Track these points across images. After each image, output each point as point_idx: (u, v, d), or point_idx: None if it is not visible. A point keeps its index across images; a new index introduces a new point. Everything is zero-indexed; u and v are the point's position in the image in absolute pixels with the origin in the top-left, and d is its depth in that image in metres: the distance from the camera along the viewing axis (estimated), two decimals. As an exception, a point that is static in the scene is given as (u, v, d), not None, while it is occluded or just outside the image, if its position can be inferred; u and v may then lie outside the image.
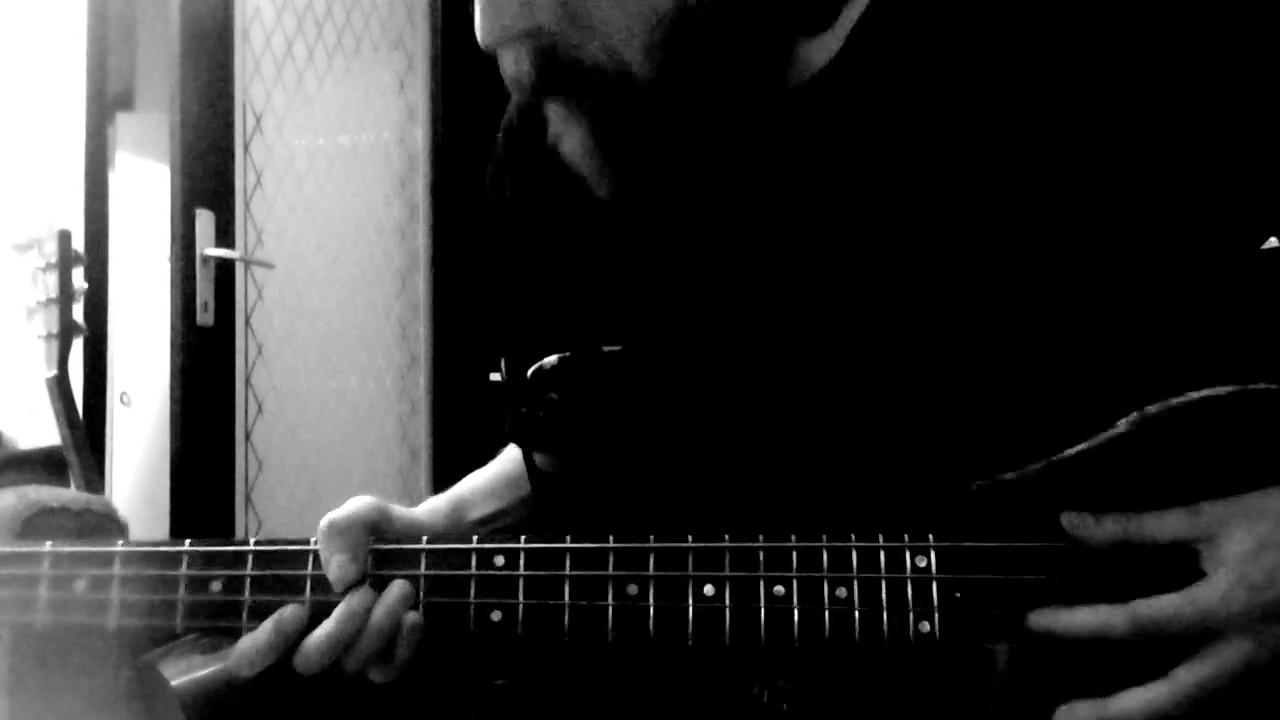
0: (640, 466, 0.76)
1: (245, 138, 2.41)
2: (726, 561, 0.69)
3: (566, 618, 0.71)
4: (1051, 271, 0.70)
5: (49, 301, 1.81)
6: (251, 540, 0.77)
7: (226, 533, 2.34)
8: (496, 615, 0.72)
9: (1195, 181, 0.70)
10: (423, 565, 0.74)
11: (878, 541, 0.69)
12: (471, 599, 0.72)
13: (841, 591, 0.68)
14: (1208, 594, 0.62)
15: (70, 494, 1.39)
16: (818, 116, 0.75)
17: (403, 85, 2.82)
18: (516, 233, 0.90)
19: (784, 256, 0.76)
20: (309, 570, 0.77)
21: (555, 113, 0.77)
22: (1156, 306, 0.71)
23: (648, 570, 0.70)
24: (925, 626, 0.67)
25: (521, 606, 0.71)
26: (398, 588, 0.74)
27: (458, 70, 2.86)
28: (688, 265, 0.79)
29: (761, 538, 0.69)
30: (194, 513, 2.26)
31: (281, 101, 2.51)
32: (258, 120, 2.45)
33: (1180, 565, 0.64)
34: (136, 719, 1.33)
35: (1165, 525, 0.65)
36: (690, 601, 0.69)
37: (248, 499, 2.40)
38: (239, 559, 0.77)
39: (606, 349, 0.76)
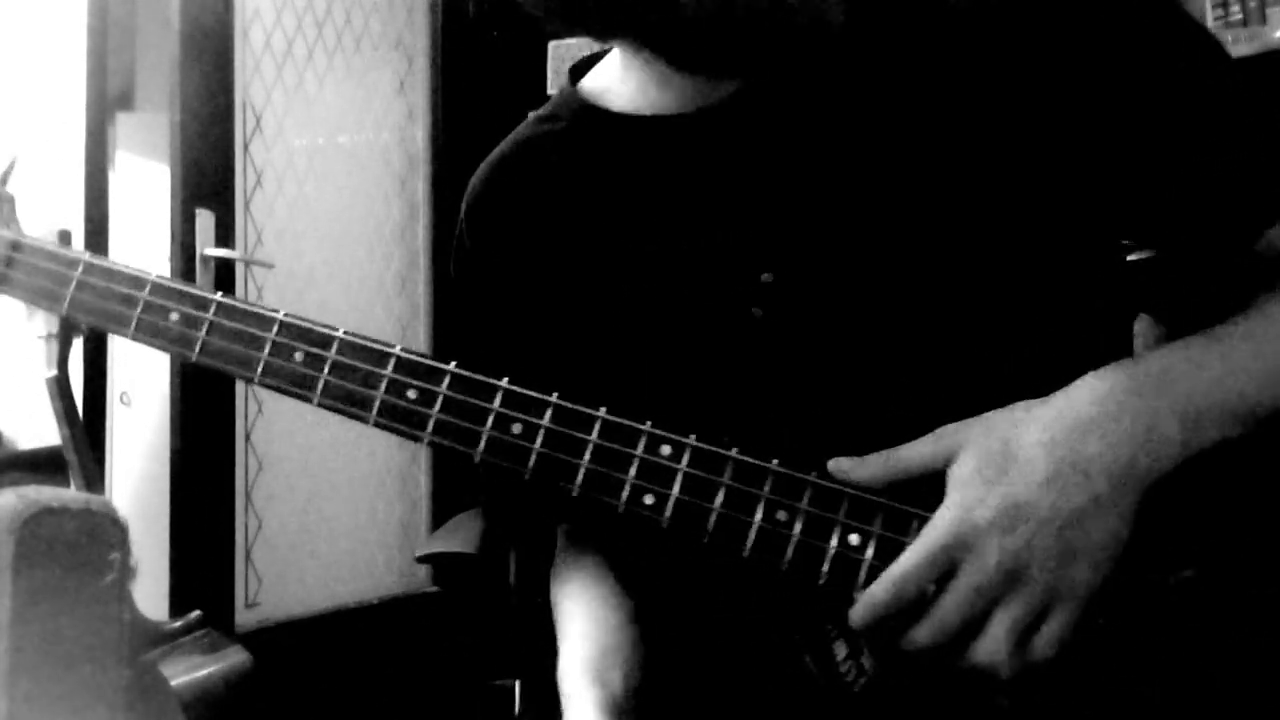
0: (819, 395, 0.78)
1: (245, 138, 2.42)
2: (879, 518, 0.70)
3: (711, 521, 0.71)
4: (948, 270, 0.75)
5: (49, 301, 1.81)
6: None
7: (226, 532, 2.35)
8: (649, 499, 0.72)
9: (1073, 185, 0.75)
10: (595, 433, 0.73)
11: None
12: (631, 478, 0.72)
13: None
14: (930, 528, 0.67)
15: (70, 494, 1.39)
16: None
17: (403, 85, 2.82)
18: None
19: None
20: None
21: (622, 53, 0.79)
22: (1025, 300, 0.75)
23: (801, 503, 0.71)
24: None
25: (673, 499, 0.72)
26: None
27: (458, 70, 2.86)
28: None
29: (920, 507, 0.70)
30: (194, 513, 2.27)
31: (281, 101, 2.51)
32: (258, 120, 2.45)
33: (938, 490, 0.68)
34: (136, 719, 1.33)
35: (915, 454, 0.70)
36: (833, 545, 0.70)
37: (248, 499, 2.40)
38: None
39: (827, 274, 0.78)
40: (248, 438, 2.40)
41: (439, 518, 2.73)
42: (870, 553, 0.70)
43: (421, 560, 2.49)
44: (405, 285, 2.80)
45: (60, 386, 1.81)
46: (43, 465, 1.96)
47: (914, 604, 0.67)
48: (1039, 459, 0.66)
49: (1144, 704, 0.69)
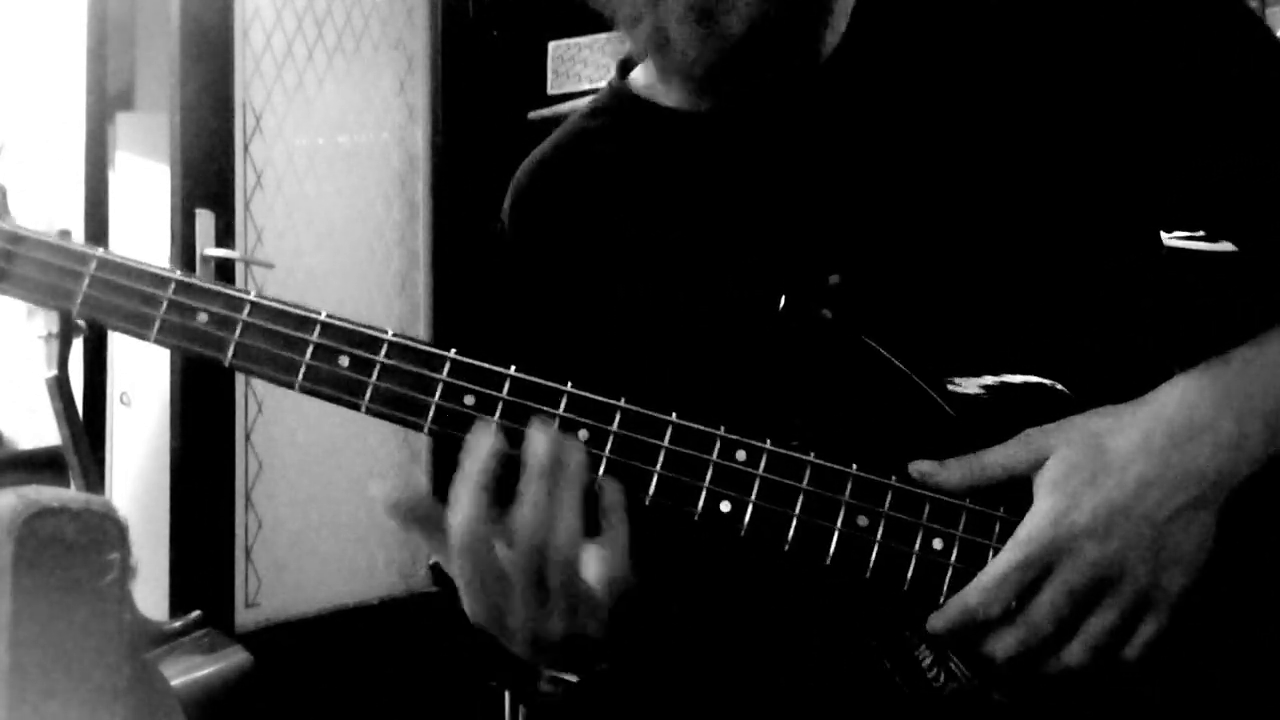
0: (885, 392, 0.75)
1: (245, 138, 2.41)
2: (962, 521, 0.69)
3: (792, 529, 0.69)
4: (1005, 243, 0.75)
5: (49, 301, 1.81)
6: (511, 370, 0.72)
7: (226, 533, 2.35)
8: (726, 506, 0.69)
9: (1109, 168, 0.75)
10: (667, 438, 0.70)
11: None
12: (706, 484, 0.69)
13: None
14: (1023, 531, 0.66)
15: (70, 494, 1.39)
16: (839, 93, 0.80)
17: (403, 85, 2.82)
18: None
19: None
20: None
21: (672, 22, 0.75)
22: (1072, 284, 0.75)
23: (883, 508, 0.69)
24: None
25: (751, 505, 0.69)
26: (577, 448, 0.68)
27: (458, 70, 2.86)
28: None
29: (1003, 509, 0.69)
30: (194, 513, 2.27)
31: (281, 101, 2.51)
32: (258, 120, 2.45)
33: (1025, 491, 0.68)
34: (136, 718, 1.34)
35: (1002, 457, 0.69)
36: (916, 549, 0.69)
37: (248, 499, 2.40)
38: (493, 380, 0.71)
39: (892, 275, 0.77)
40: (248, 438, 2.40)
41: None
42: (954, 556, 0.69)
43: (435, 569, 2.49)
44: (405, 285, 2.80)
45: (60, 386, 1.81)
46: (43, 465, 1.96)
47: (1005, 609, 0.66)
48: (1135, 464, 0.66)
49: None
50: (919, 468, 0.70)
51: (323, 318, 0.73)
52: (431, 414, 0.70)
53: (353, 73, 2.70)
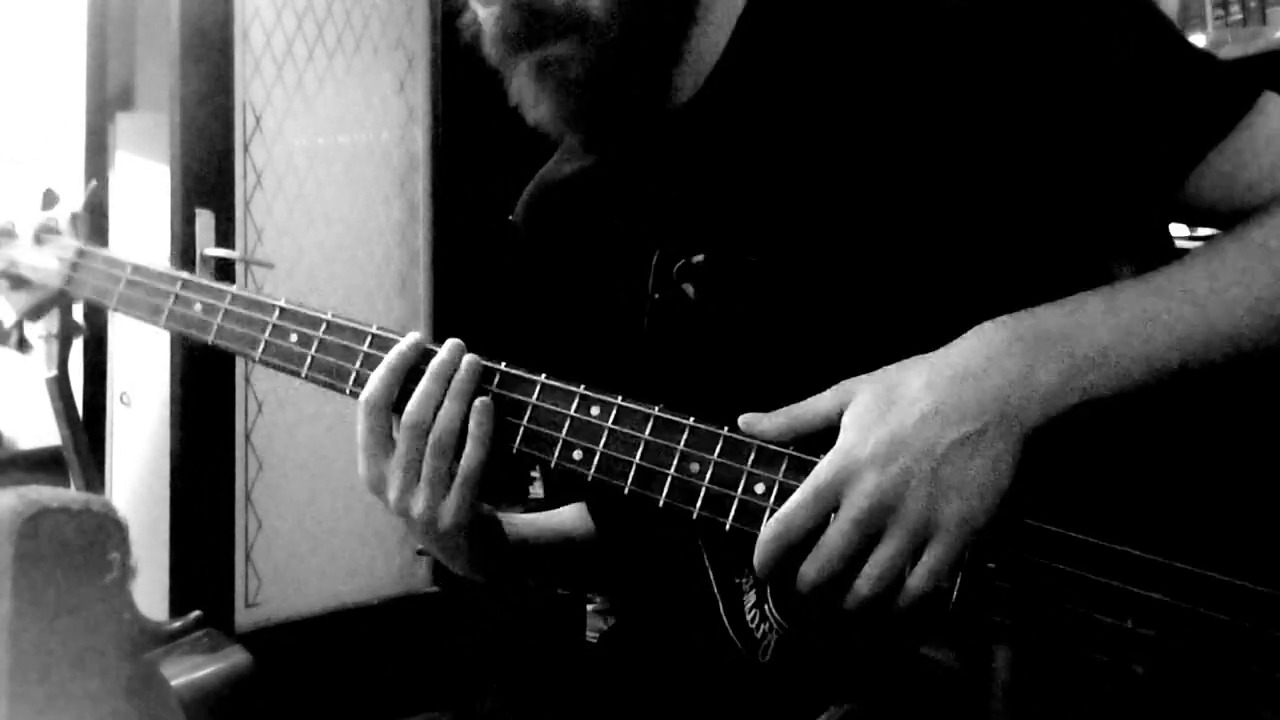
0: (749, 364, 0.83)
1: (245, 138, 2.42)
2: (783, 467, 0.73)
3: (631, 474, 0.77)
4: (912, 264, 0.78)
5: (49, 301, 1.81)
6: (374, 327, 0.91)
7: (226, 532, 2.35)
8: (578, 454, 0.79)
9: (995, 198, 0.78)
10: (535, 395, 0.81)
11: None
12: (563, 435, 0.80)
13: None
14: (816, 471, 0.70)
15: (70, 494, 1.39)
16: (710, 116, 0.87)
17: (403, 85, 2.82)
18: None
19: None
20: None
21: (523, 80, 0.89)
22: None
23: (712, 454, 0.75)
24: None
25: (599, 453, 0.78)
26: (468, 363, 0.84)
27: (458, 70, 2.86)
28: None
29: (822, 455, 0.73)
30: (194, 513, 2.27)
31: (281, 101, 2.51)
32: (257, 120, 2.45)
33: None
34: (137, 719, 1.34)
35: (818, 405, 0.73)
36: (738, 493, 0.74)
37: (248, 499, 2.40)
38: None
39: (750, 257, 0.84)
40: (248, 438, 2.41)
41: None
42: (773, 498, 0.73)
43: (421, 552, 2.49)
44: (405, 285, 2.80)
45: (60, 386, 1.81)
46: (43, 465, 1.96)
47: (804, 542, 0.70)
48: (920, 400, 0.70)
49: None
50: (745, 418, 0.75)
51: (281, 303, 0.94)
52: (352, 379, 0.88)
53: (353, 72, 2.70)
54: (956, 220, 0.77)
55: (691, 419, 0.76)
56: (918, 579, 0.68)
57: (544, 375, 0.81)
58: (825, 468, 0.70)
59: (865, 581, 0.69)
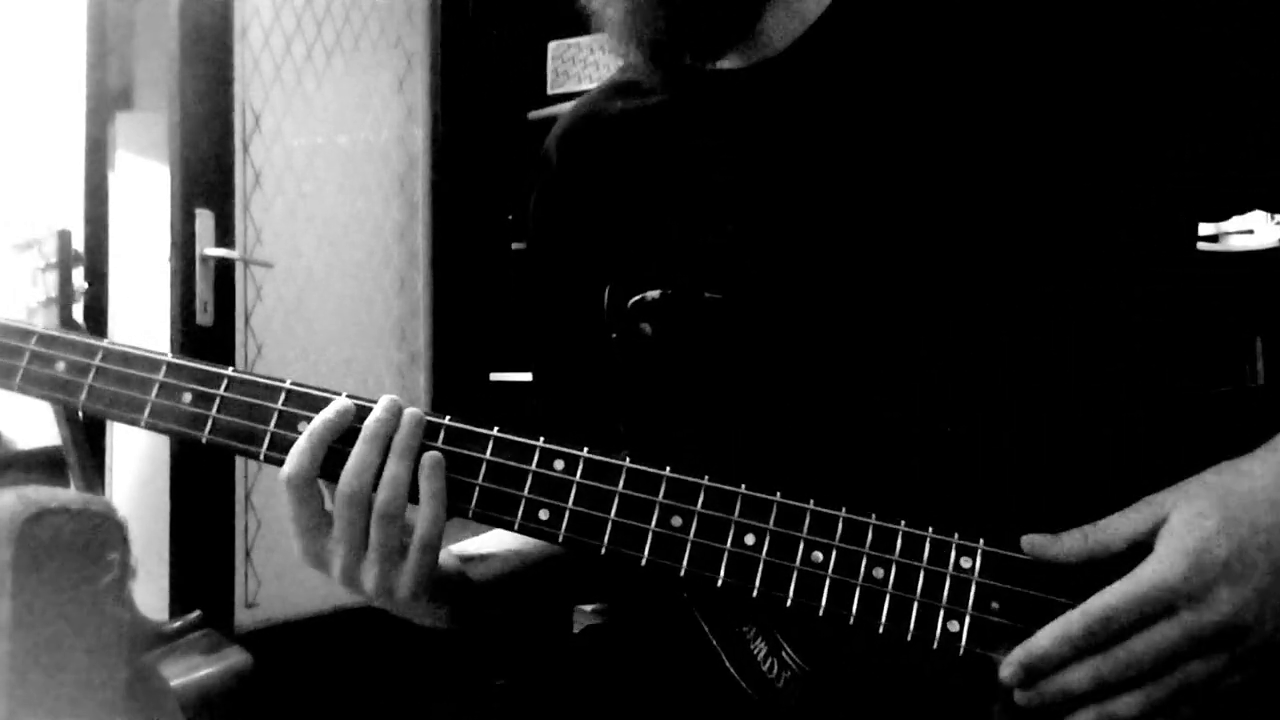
0: (712, 407, 0.78)
1: (245, 137, 2.41)
2: (772, 515, 0.69)
3: (608, 531, 0.71)
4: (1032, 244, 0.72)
5: (49, 301, 1.81)
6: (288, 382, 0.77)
7: (226, 533, 2.34)
8: (544, 514, 0.72)
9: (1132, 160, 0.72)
10: (489, 450, 0.73)
11: (926, 531, 0.68)
12: (525, 493, 0.72)
13: (879, 572, 0.68)
14: (1148, 570, 0.62)
15: (70, 494, 1.39)
16: (815, 67, 0.79)
17: (402, 85, 2.82)
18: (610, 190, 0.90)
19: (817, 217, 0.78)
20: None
21: None
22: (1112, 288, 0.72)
23: (695, 506, 0.70)
24: (954, 626, 0.67)
25: (569, 511, 0.72)
26: (410, 416, 0.74)
27: (458, 70, 2.86)
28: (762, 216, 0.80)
29: (812, 502, 0.69)
30: (194, 513, 2.26)
31: (281, 101, 2.51)
32: (257, 120, 2.45)
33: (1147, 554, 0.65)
34: (136, 719, 1.34)
35: (1122, 527, 0.65)
36: (728, 545, 0.69)
37: (247, 499, 2.40)
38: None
39: (708, 295, 0.78)
40: (247, 438, 2.40)
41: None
42: (765, 550, 0.69)
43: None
44: (405, 285, 2.80)
45: (60, 386, 1.80)
46: (43, 465, 1.96)
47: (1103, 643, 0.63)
48: (1265, 513, 0.62)
49: None
50: (1031, 542, 0.67)
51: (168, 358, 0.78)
52: (267, 441, 0.75)
53: (352, 72, 2.70)
54: (1063, 226, 0.71)
55: (668, 469, 0.71)
56: (1226, 696, 0.62)
57: (496, 429, 0.74)
58: (1161, 574, 0.62)
59: (1158, 695, 0.62)
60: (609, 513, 0.71)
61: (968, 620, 0.67)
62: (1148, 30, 0.71)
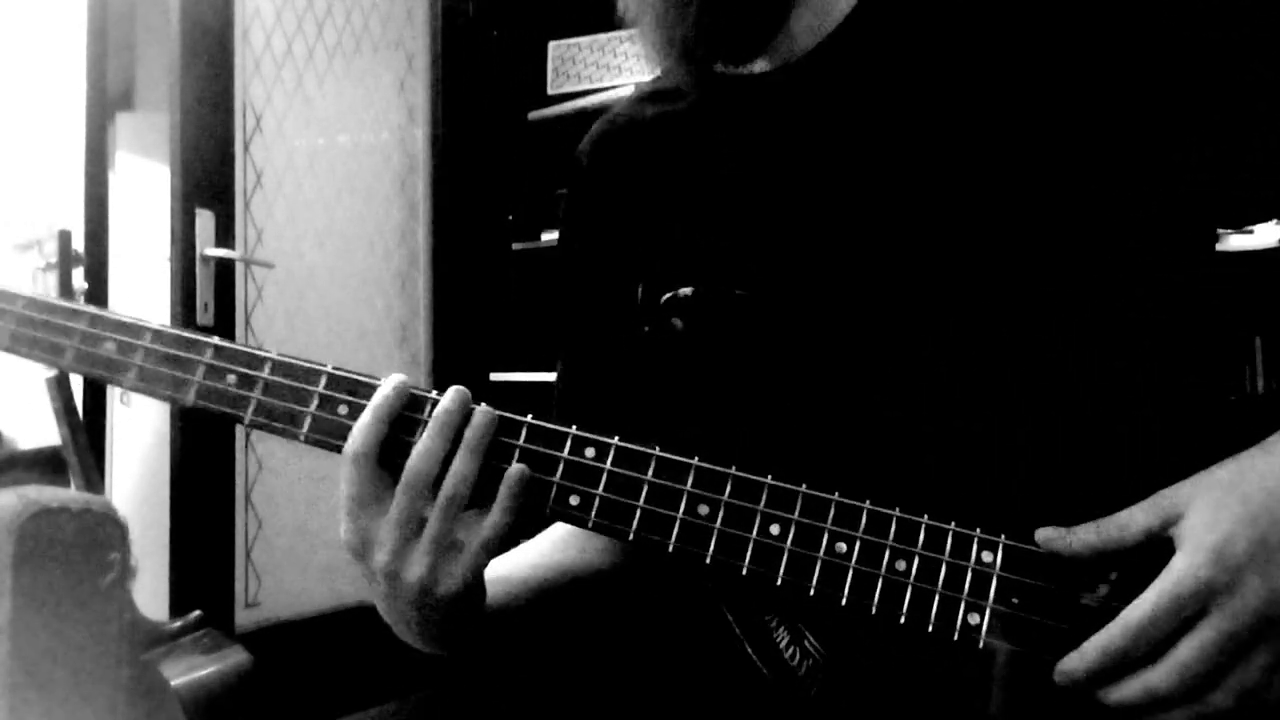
0: (739, 400, 0.79)
1: (245, 138, 2.41)
2: (798, 506, 0.70)
3: (636, 518, 0.72)
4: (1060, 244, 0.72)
5: (49, 301, 1.81)
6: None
7: (226, 533, 2.35)
8: (575, 500, 0.73)
9: (1155, 163, 0.72)
10: (522, 437, 0.75)
11: (949, 525, 0.69)
12: (556, 479, 0.74)
13: (901, 564, 0.68)
14: (1174, 572, 0.63)
15: (70, 494, 1.39)
16: (840, 69, 0.80)
17: (403, 85, 2.82)
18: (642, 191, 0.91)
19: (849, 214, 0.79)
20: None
21: None
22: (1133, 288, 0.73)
23: (722, 495, 0.71)
24: (974, 619, 0.67)
25: (599, 498, 0.73)
26: (482, 415, 0.74)
27: (458, 70, 2.86)
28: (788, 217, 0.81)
29: (837, 494, 0.70)
30: (194, 513, 2.27)
31: (281, 101, 2.51)
32: (258, 120, 2.45)
33: (1162, 551, 0.65)
34: (136, 719, 1.34)
35: (1134, 523, 0.66)
36: (754, 534, 0.70)
37: (248, 499, 2.40)
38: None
39: (737, 292, 0.79)
40: (248, 438, 2.40)
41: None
42: (790, 540, 0.70)
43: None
44: (405, 285, 2.80)
45: (60, 386, 1.81)
46: (43, 465, 1.96)
47: (1148, 655, 0.63)
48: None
49: None
50: (1045, 534, 0.67)
51: (214, 341, 0.79)
52: (308, 424, 0.77)
53: (353, 73, 2.70)
54: (1082, 233, 0.72)
55: (696, 459, 0.72)
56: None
57: (530, 416, 0.75)
58: (1189, 572, 0.62)
59: (1226, 695, 0.62)
60: (638, 500, 0.72)
61: (988, 613, 0.67)
62: (1160, 35, 0.72)
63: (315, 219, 2.59)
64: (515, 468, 0.73)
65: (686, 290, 0.81)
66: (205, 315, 2.24)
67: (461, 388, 0.75)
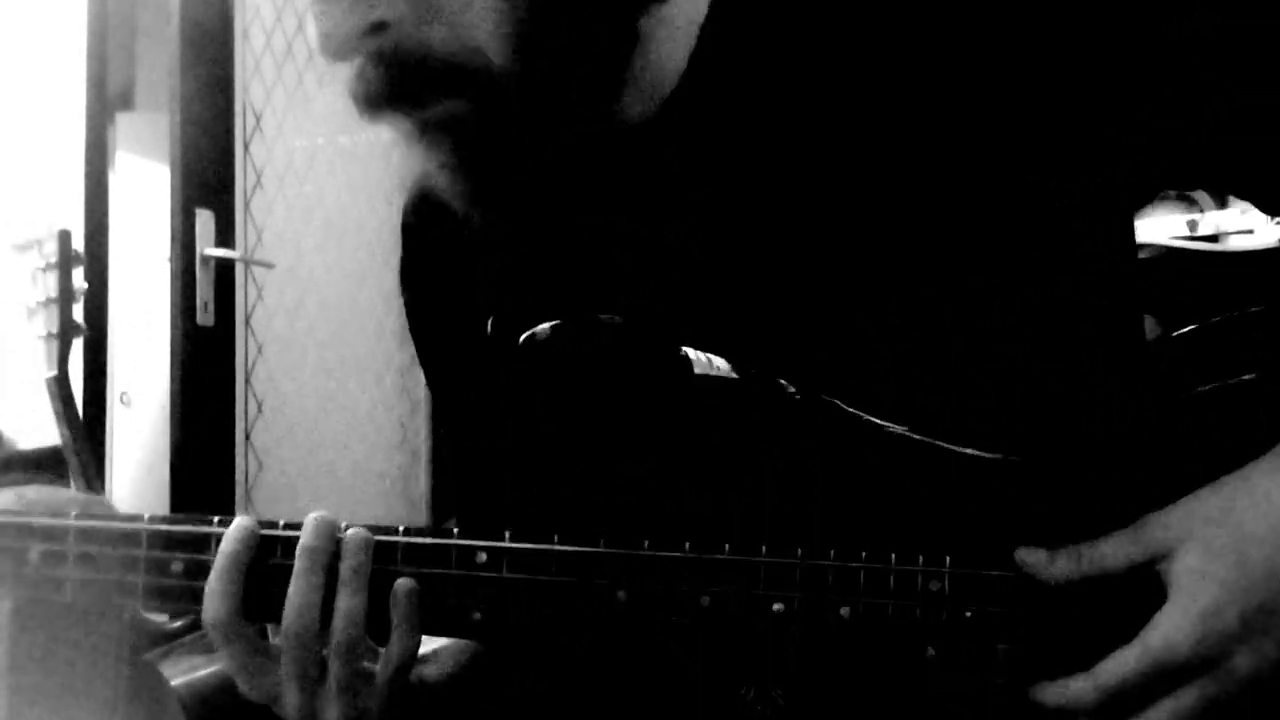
0: (612, 446, 0.73)
1: (245, 138, 2.41)
2: (723, 573, 0.65)
3: (552, 624, 0.67)
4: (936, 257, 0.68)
5: (49, 301, 1.81)
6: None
7: (226, 533, 2.34)
8: (477, 615, 0.67)
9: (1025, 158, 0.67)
10: (399, 559, 0.69)
11: (889, 563, 0.65)
12: (450, 599, 0.67)
13: (845, 611, 0.65)
14: (1159, 636, 0.61)
15: (70, 494, 1.39)
16: (675, 136, 0.72)
17: (403, 85, 2.82)
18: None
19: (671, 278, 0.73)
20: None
21: (409, 137, 0.73)
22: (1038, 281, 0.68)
23: (640, 578, 0.66)
24: (930, 651, 0.65)
25: (504, 610, 0.67)
26: (355, 533, 0.70)
27: (458, 70, 2.86)
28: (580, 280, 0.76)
29: (764, 549, 0.65)
30: (194, 512, 2.27)
31: (281, 101, 2.51)
32: (258, 120, 2.45)
33: (1148, 583, 0.63)
34: (136, 719, 1.33)
35: (1117, 552, 0.63)
36: (687, 615, 0.66)
37: (247, 499, 2.40)
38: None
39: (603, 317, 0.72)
40: (248, 438, 2.40)
41: (439, 518, 2.72)
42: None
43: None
44: (405, 285, 2.80)
45: (60, 386, 1.81)
46: (43, 465, 1.96)
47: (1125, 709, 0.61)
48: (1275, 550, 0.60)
49: None
50: (1023, 557, 0.64)
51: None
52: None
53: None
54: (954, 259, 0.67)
55: (602, 542, 0.66)
56: None
57: (402, 529, 0.70)
58: (1176, 637, 0.60)
59: None
60: (546, 606, 0.66)
61: (943, 644, 0.65)
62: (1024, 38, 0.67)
63: (316, 219, 2.59)
64: (401, 583, 0.67)
65: (544, 327, 0.74)
66: (205, 315, 2.24)
67: (323, 514, 0.69)
